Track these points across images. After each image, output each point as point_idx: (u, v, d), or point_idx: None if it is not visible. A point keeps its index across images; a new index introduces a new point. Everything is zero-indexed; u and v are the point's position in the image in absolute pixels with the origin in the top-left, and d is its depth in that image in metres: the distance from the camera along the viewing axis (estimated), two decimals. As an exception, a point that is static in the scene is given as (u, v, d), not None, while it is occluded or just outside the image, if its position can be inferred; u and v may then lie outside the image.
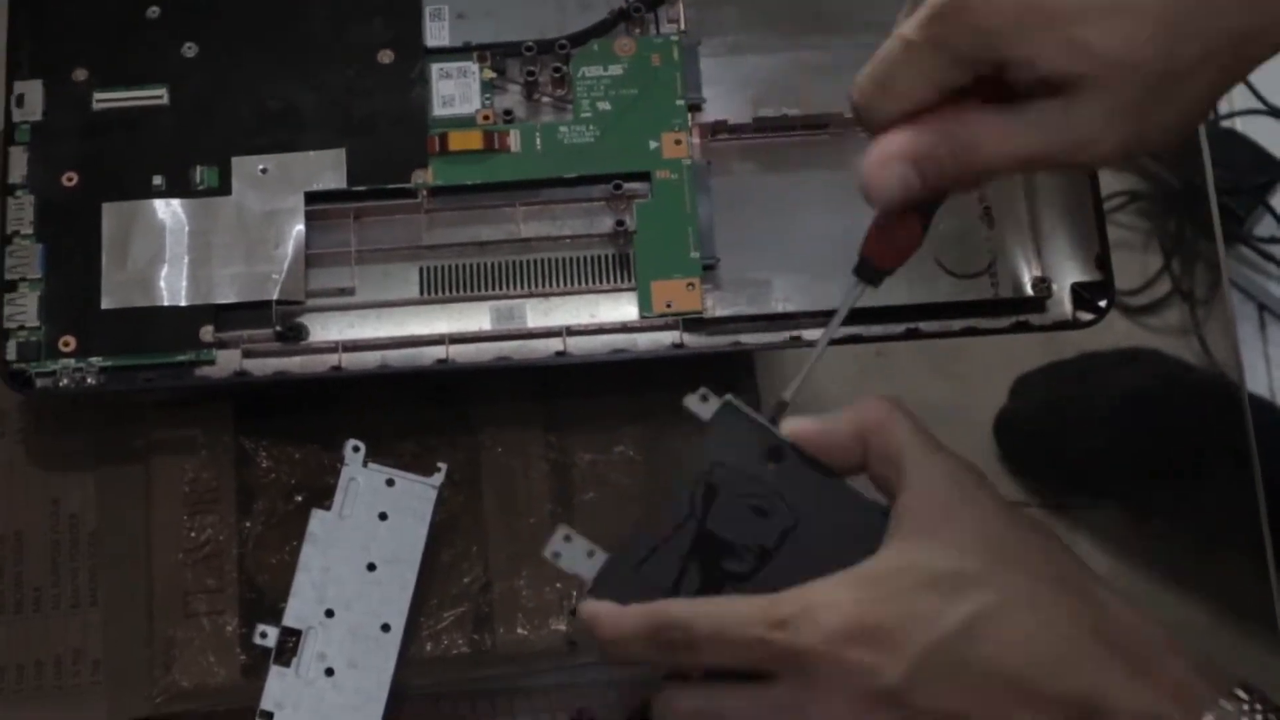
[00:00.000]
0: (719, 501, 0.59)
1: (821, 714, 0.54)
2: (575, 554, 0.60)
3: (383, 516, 0.73)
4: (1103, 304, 0.73)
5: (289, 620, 0.71)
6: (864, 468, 0.59)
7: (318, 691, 0.71)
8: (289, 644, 0.71)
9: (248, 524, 0.76)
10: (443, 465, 0.74)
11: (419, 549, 0.73)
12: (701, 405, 0.60)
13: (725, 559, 0.58)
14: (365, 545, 0.72)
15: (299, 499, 0.76)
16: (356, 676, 0.71)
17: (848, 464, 0.59)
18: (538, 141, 0.75)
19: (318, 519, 0.73)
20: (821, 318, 0.73)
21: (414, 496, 0.73)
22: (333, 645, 0.71)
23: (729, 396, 0.60)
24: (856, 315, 0.73)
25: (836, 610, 0.54)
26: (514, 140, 0.75)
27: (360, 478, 0.73)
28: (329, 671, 0.71)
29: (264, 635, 0.71)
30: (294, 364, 0.73)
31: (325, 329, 0.74)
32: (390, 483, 0.73)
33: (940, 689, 0.54)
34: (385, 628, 0.72)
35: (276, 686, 0.71)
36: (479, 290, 0.74)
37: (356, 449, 0.73)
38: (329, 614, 0.72)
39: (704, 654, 0.56)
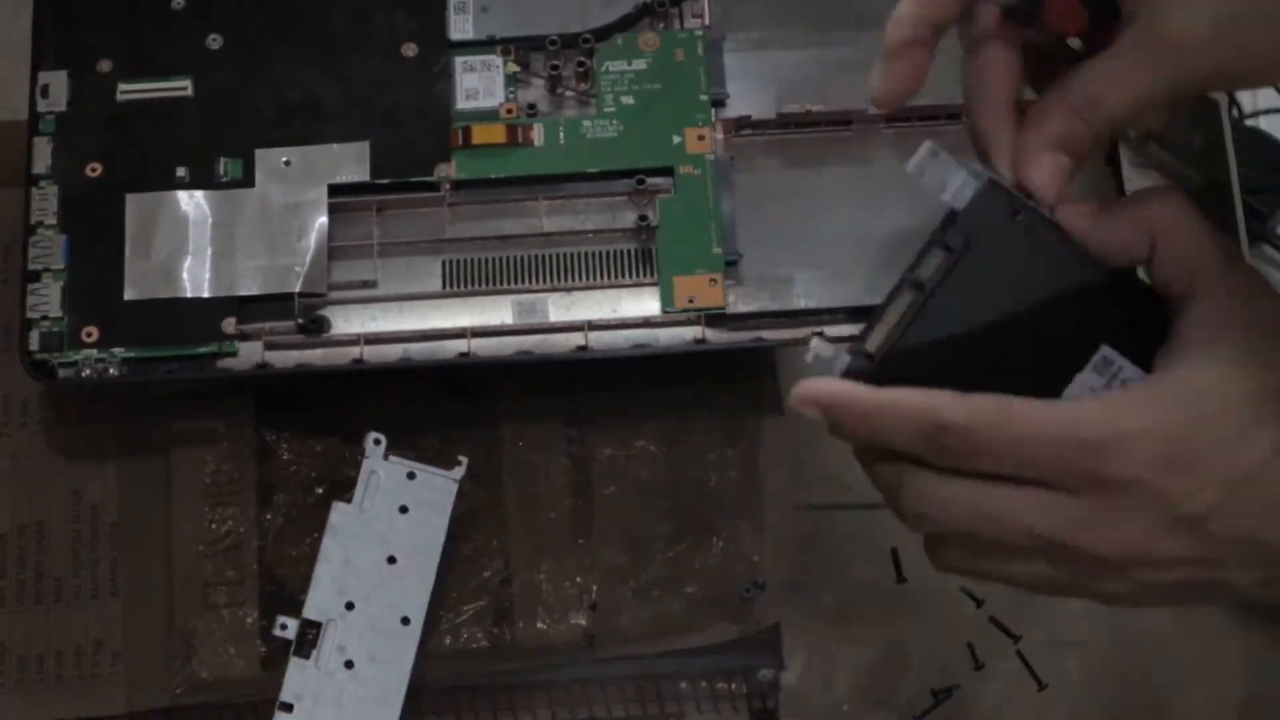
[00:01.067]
0: (974, 281, 0.55)
1: (1118, 536, 0.52)
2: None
3: (403, 509, 0.73)
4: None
5: (309, 612, 0.72)
6: (1143, 262, 0.55)
7: (337, 684, 0.71)
8: (309, 636, 0.71)
9: (268, 516, 0.76)
10: (463, 459, 0.74)
11: (439, 542, 0.73)
12: (959, 188, 0.55)
13: (989, 340, 0.55)
14: (385, 538, 0.73)
15: (320, 491, 0.76)
16: (376, 669, 0.71)
17: (1125, 257, 0.55)
18: (561, 136, 0.75)
19: (338, 511, 0.73)
20: (843, 314, 0.73)
21: (435, 489, 0.73)
22: (353, 638, 0.71)
23: (988, 175, 0.55)
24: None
25: (1150, 440, 0.51)
26: (537, 134, 0.75)
27: (381, 470, 0.73)
28: (349, 664, 0.71)
29: (284, 627, 0.71)
30: (316, 356, 0.73)
31: (347, 322, 0.74)
32: (411, 476, 0.73)
33: (1243, 515, 0.52)
34: (405, 620, 0.72)
35: (296, 678, 0.71)
36: (501, 284, 0.74)
37: (378, 442, 0.73)
38: (349, 606, 0.72)
39: (984, 462, 0.53)
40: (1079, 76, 0.54)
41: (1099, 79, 0.54)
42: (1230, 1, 0.51)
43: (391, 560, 0.72)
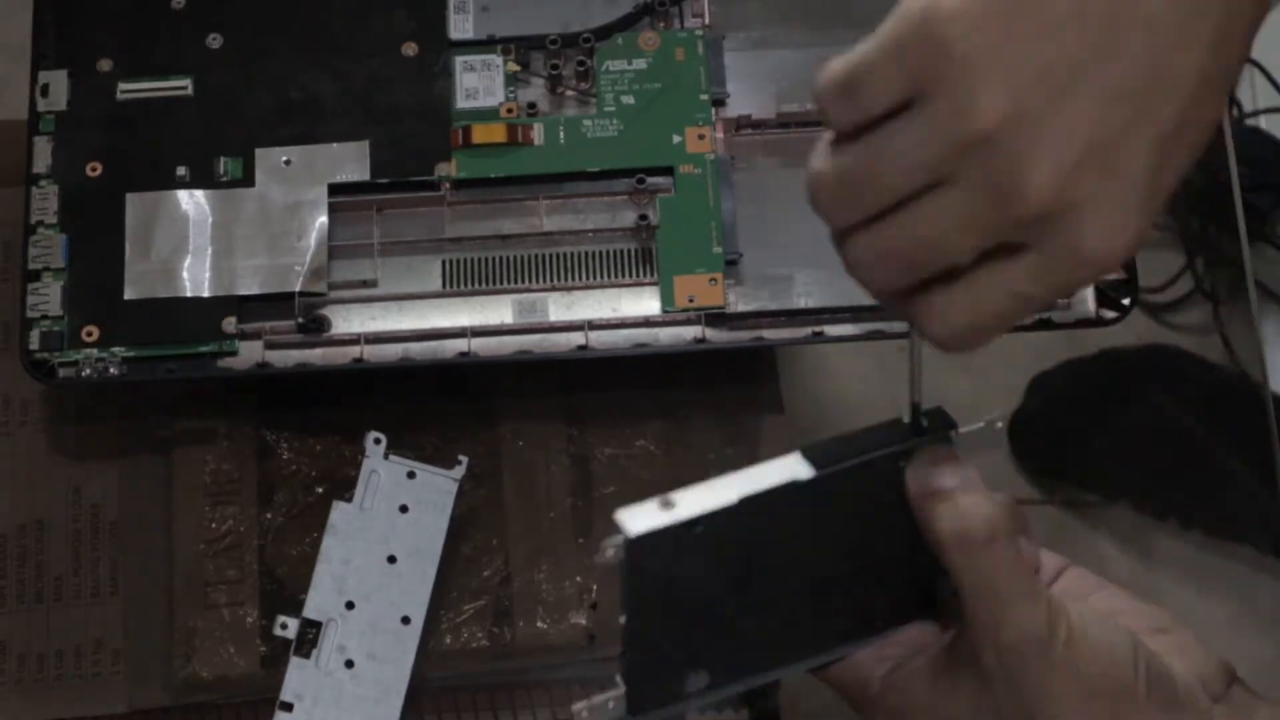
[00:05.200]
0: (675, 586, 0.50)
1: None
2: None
3: (403, 509, 0.73)
4: (1126, 302, 0.73)
5: (309, 612, 0.72)
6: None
7: (337, 683, 0.71)
8: (309, 636, 0.71)
9: (268, 515, 0.76)
10: (464, 458, 0.74)
11: (439, 541, 0.73)
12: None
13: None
14: (386, 537, 0.73)
15: (320, 491, 0.76)
16: (376, 669, 0.71)
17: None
18: (561, 135, 0.75)
19: (339, 511, 0.73)
20: (843, 313, 0.73)
21: (435, 489, 0.73)
22: (353, 637, 0.71)
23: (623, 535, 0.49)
24: (878, 311, 0.73)
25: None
26: (537, 134, 0.75)
27: (381, 470, 0.73)
28: (349, 663, 0.71)
29: (284, 627, 0.71)
30: (316, 356, 0.73)
31: (347, 321, 0.74)
32: (411, 475, 0.73)
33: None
34: (405, 620, 0.72)
35: (296, 678, 0.71)
36: (501, 283, 0.74)
37: (378, 441, 0.73)
38: (349, 606, 0.72)
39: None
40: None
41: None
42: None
43: (392, 560, 0.73)
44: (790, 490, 0.49)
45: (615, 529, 0.49)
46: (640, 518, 0.49)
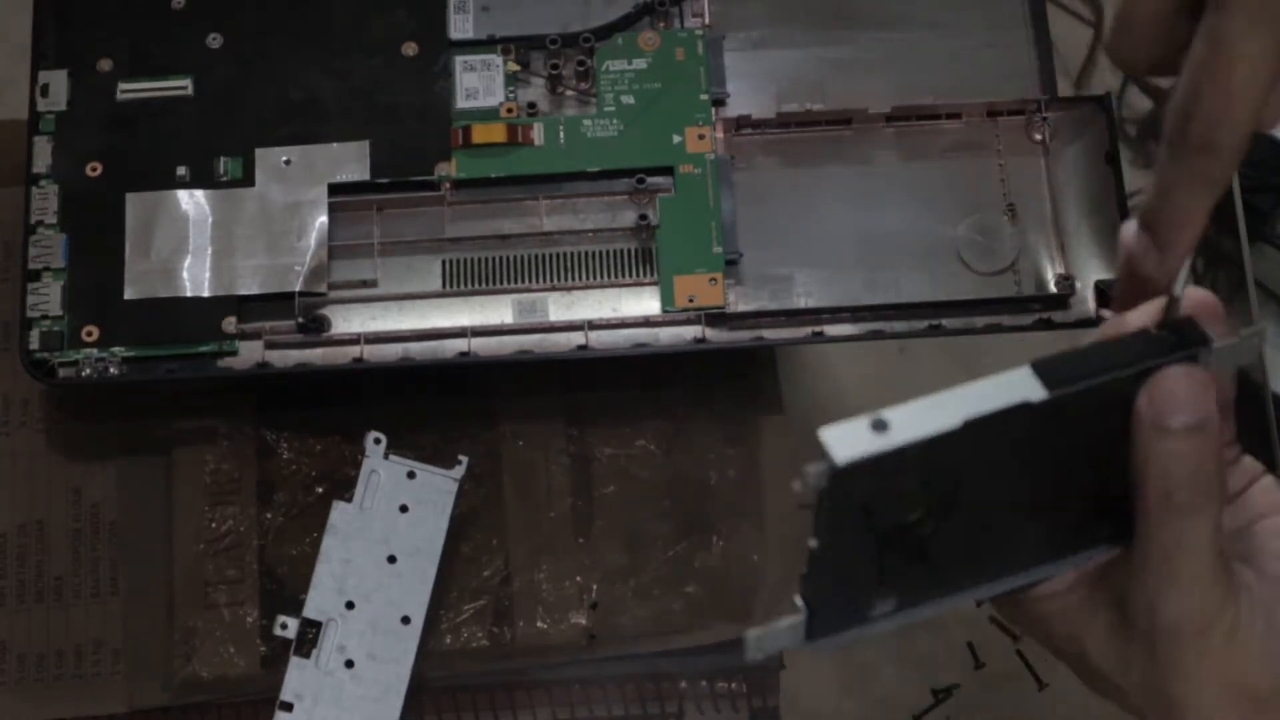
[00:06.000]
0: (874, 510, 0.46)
1: None
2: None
3: (403, 509, 0.73)
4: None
5: (309, 612, 0.72)
6: None
7: (337, 683, 0.71)
8: (309, 635, 0.71)
9: (269, 515, 0.76)
10: (464, 458, 0.74)
11: (439, 541, 0.73)
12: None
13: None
14: (386, 537, 0.73)
15: (320, 490, 0.76)
16: (376, 668, 0.71)
17: None
18: (561, 135, 0.75)
19: (339, 511, 0.73)
20: (843, 314, 0.73)
21: (435, 489, 0.73)
22: (353, 637, 0.71)
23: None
24: (878, 311, 0.73)
25: None
26: (537, 133, 0.75)
27: (381, 470, 0.73)
28: (349, 663, 0.71)
29: (284, 626, 0.71)
30: (316, 356, 0.73)
31: (347, 321, 0.74)
32: (411, 475, 0.73)
33: None
34: (405, 620, 0.72)
35: (296, 678, 0.71)
36: (501, 283, 0.74)
37: (378, 441, 0.73)
38: (349, 606, 0.72)
39: None
40: None
41: None
42: None
43: (392, 559, 0.73)
44: (1019, 412, 0.44)
45: (817, 453, 0.43)
46: (849, 442, 0.43)
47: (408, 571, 0.72)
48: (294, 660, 0.71)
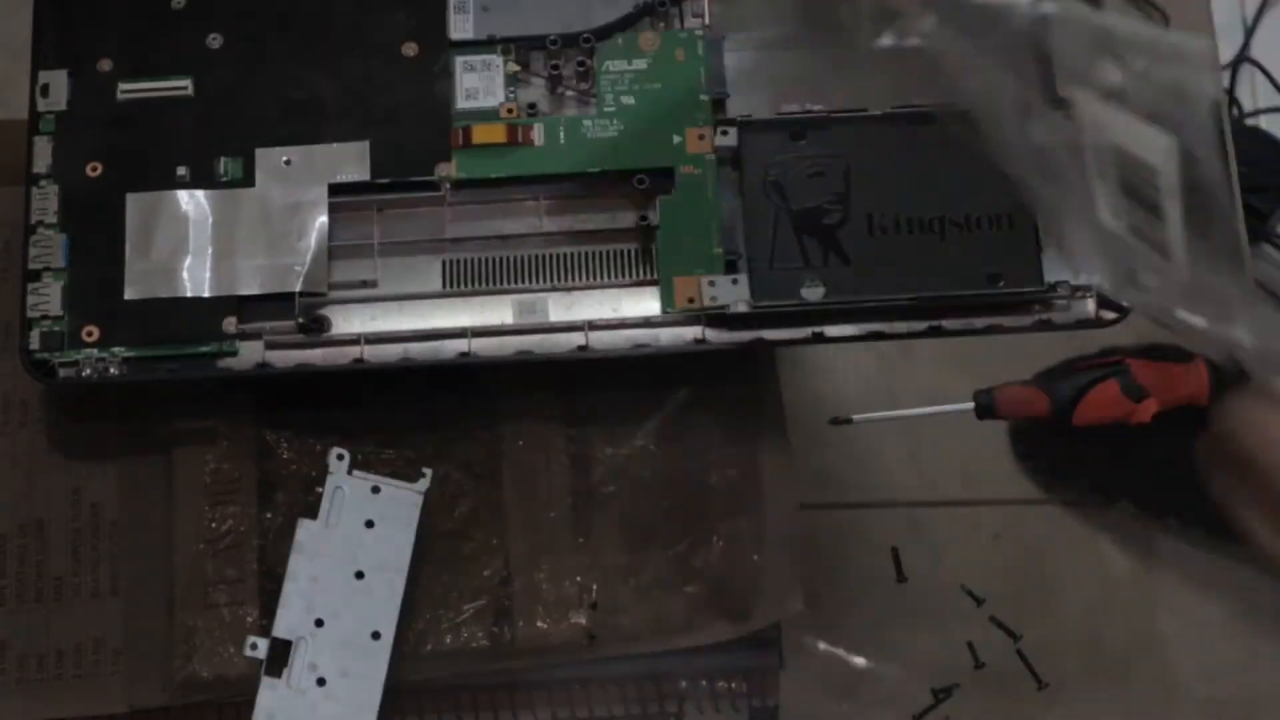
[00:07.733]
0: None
1: None
2: None
3: (369, 524, 0.73)
4: (1126, 302, 0.73)
5: (279, 631, 0.71)
6: None
7: (310, 702, 0.71)
8: (279, 655, 0.71)
9: (268, 515, 0.76)
10: (428, 470, 0.74)
11: (406, 555, 0.73)
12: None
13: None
14: (353, 554, 0.73)
15: (320, 491, 0.76)
16: (349, 685, 0.71)
17: None
18: (561, 135, 0.75)
19: (304, 529, 0.73)
20: (843, 314, 0.73)
21: (399, 503, 0.73)
22: (323, 655, 0.71)
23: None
24: (879, 312, 0.73)
25: None
26: (537, 134, 0.75)
27: (345, 486, 0.73)
28: (321, 681, 0.71)
29: (254, 647, 0.71)
30: (316, 356, 0.73)
31: (348, 321, 0.74)
32: (376, 490, 0.73)
33: None
34: (375, 635, 0.72)
35: (268, 698, 0.71)
36: (501, 284, 0.74)
37: (341, 457, 0.73)
38: (319, 624, 0.72)
39: None
40: None
41: None
42: None
43: (359, 575, 0.72)
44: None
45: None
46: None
47: (376, 587, 0.72)
48: (265, 680, 0.71)
